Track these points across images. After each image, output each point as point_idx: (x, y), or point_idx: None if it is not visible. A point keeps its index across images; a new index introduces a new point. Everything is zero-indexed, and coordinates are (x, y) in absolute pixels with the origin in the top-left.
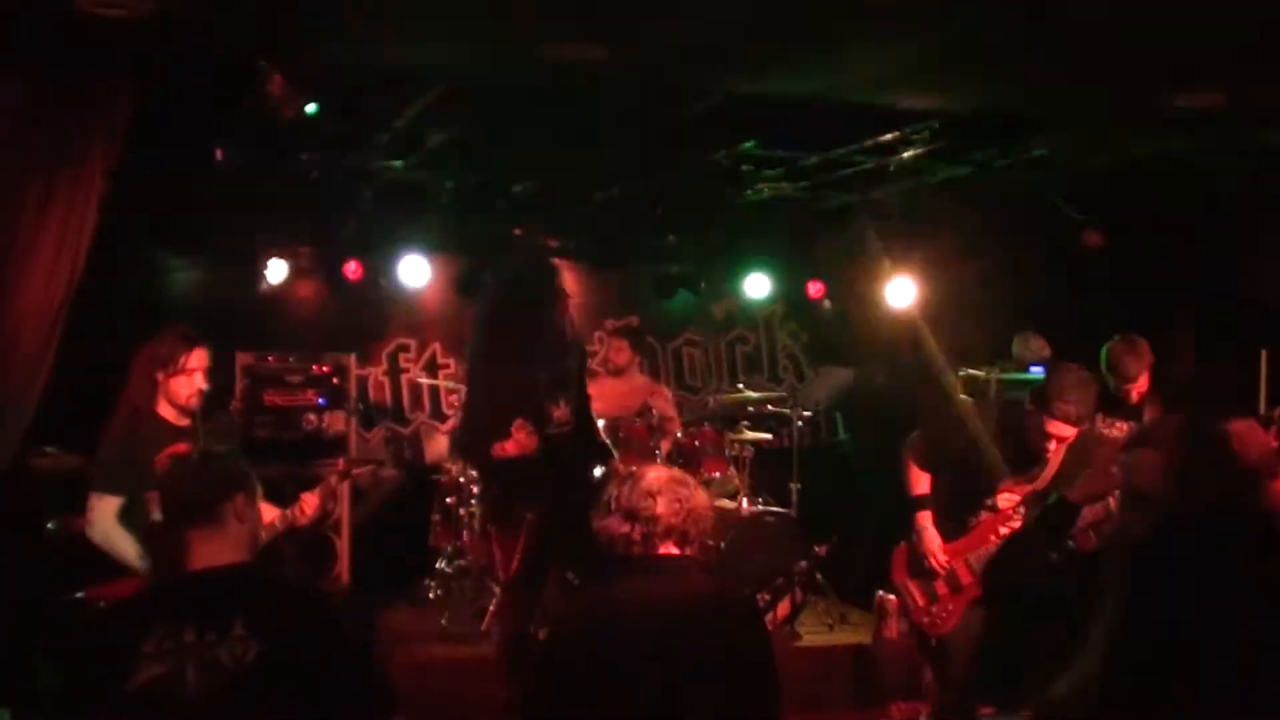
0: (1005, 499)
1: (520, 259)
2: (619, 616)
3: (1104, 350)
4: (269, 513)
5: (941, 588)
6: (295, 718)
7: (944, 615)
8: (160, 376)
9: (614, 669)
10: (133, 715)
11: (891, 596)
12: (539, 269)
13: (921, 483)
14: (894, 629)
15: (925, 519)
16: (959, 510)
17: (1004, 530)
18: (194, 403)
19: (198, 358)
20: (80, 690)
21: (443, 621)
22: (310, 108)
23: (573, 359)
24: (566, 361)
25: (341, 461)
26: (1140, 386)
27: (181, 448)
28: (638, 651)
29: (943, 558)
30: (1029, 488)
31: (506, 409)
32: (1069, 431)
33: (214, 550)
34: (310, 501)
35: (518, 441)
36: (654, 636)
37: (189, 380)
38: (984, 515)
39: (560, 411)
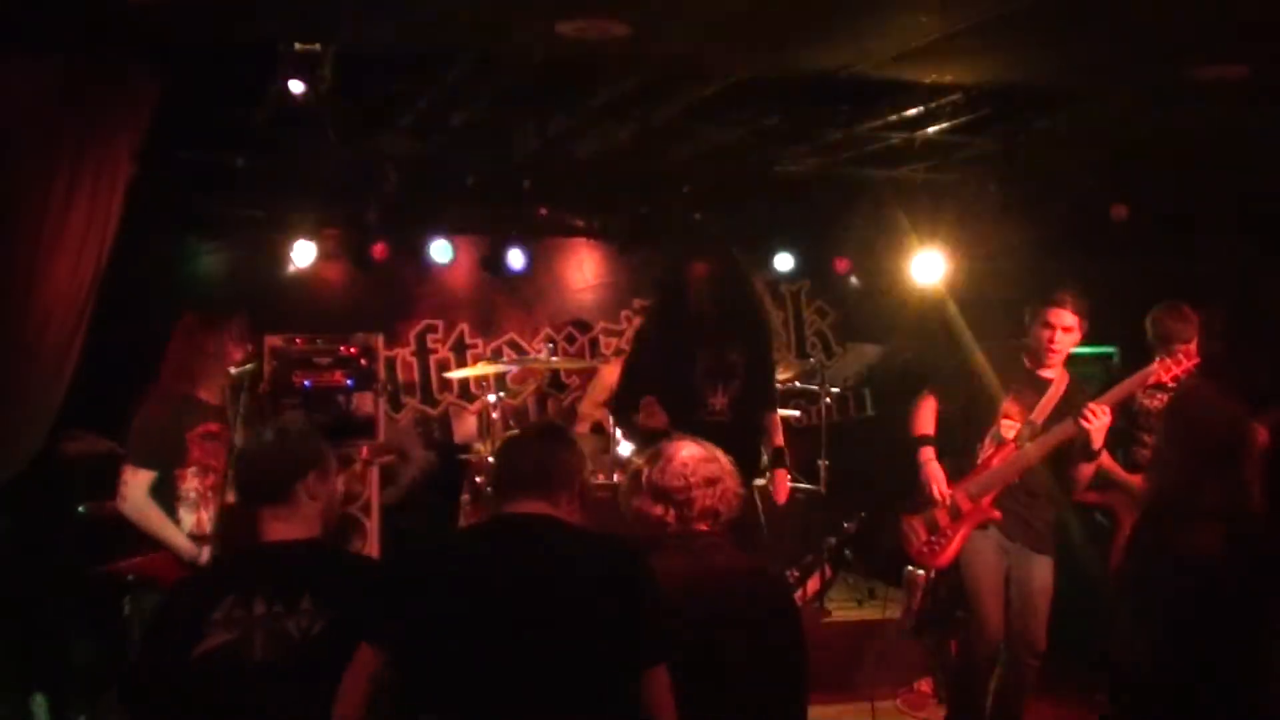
0: (1006, 424)
1: (699, 249)
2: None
3: (1149, 319)
4: None
5: (943, 518)
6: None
7: (942, 544)
8: (200, 354)
9: None
10: (199, 680)
11: (920, 571)
12: (717, 262)
13: (927, 423)
14: (924, 604)
15: (928, 453)
16: (965, 450)
17: (1002, 457)
18: (247, 363)
19: (236, 327)
20: (150, 654)
21: None
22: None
23: (740, 352)
24: (730, 352)
25: (365, 450)
26: (1191, 349)
27: (214, 427)
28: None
29: (945, 489)
30: (1027, 416)
31: (653, 387)
32: (1070, 320)
33: (286, 527)
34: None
35: (644, 416)
36: (689, 614)
37: (237, 350)
38: (987, 445)
39: (718, 400)
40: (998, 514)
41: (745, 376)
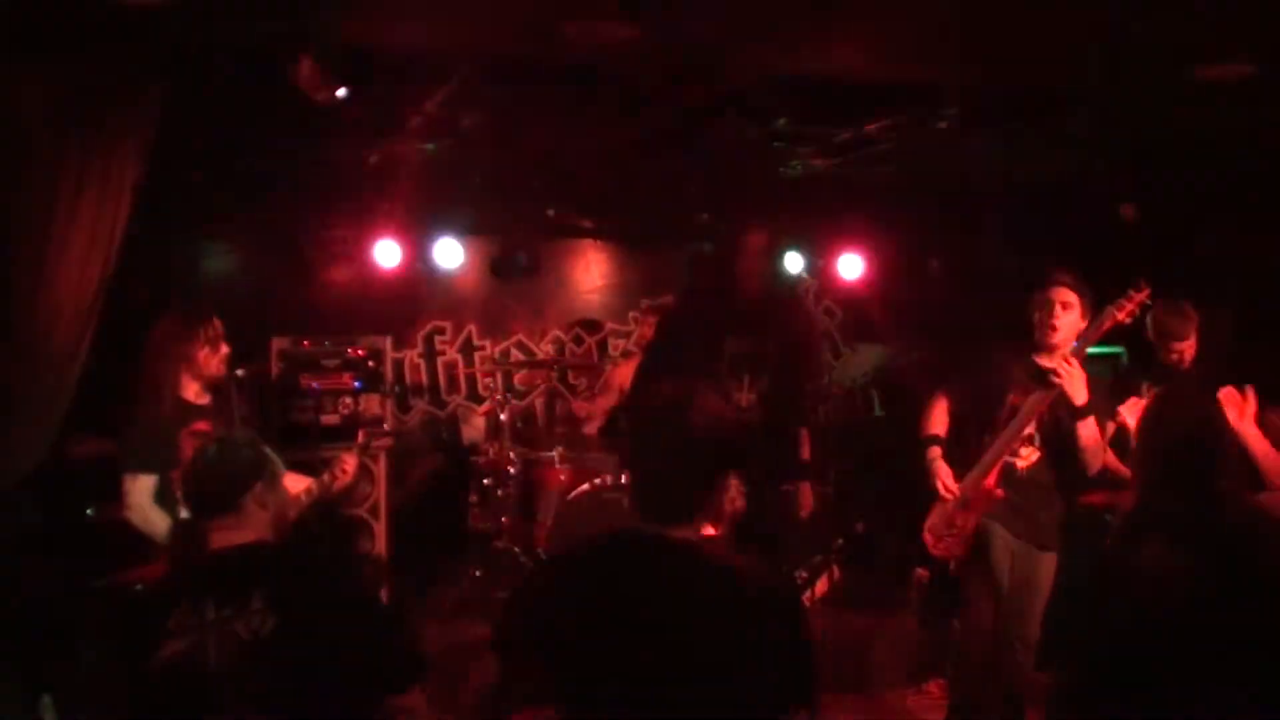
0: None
1: (729, 243)
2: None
3: (1149, 315)
4: (299, 483)
5: (954, 512)
6: (318, 687)
7: (955, 537)
8: (184, 355)
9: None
10: (159, 690)
11: (929, 573)
12: (772, 237)
13: (938, 424)
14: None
15: (935, 452)
16: (976, 449)
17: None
18: (222, 370)
19: (216, 326)
20: (109, 667)
21: (482, 602)
22: (341, 93)
23: (775, 344)
24: (764, 341)
25: (361, 434)
26: (1188, 348)
27: (203, 425)
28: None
29: (952, 485)
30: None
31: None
32: (1069, 297)
33: (237, 535)
34: (350, 461)
35: None
36: (679, 617)
37: (213, 350)
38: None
39: (743, 395)
40: (1000, 492)
41: (778, 373)
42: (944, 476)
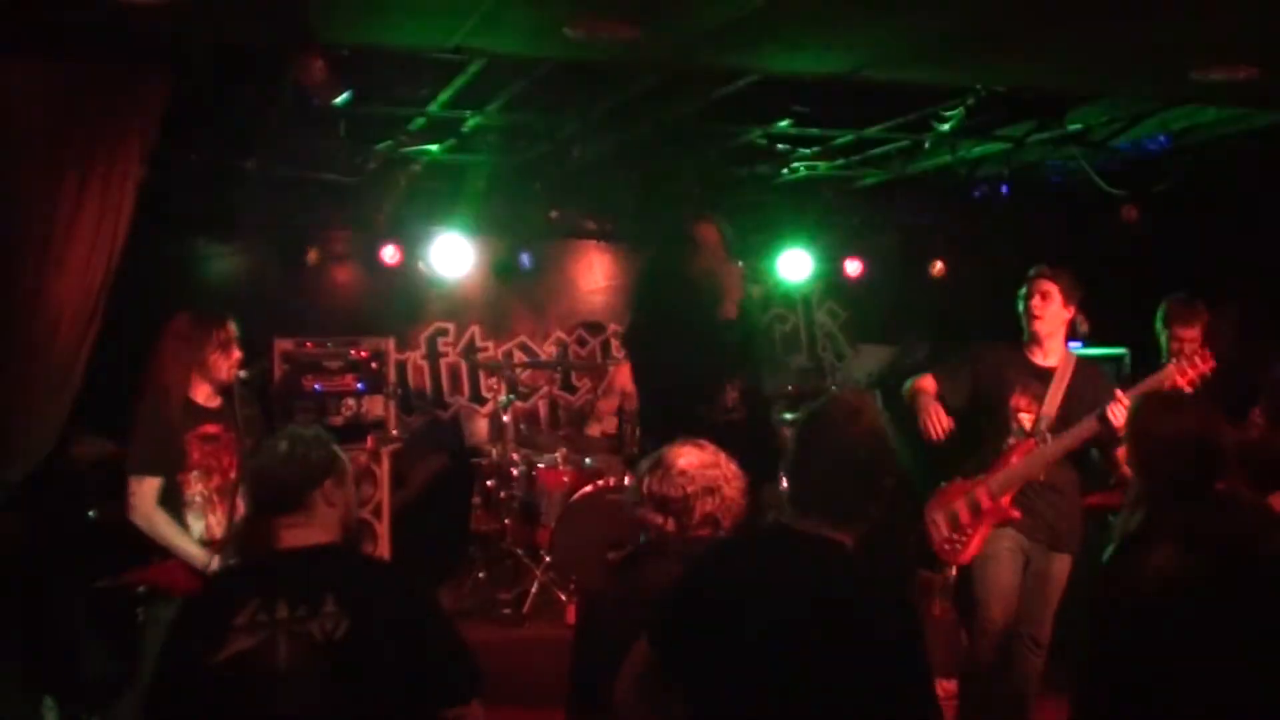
0: (1023, 418)
1: (664, 235)
2: (651, 601)
3: (1160, 308)
4: None
5: (964, 514)
6: (385, 693)
7: (964, 541)
8: (196, 357)
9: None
10: (223, 686)
11: (936, 576)
12: (680, 242)
13: (926, 380)
14: (938, 607)
15: (927, 382)
16: (985, 447)
17: (1021, 452)
18: (233, 375)
19: (229, 330)
20: (172, 661)
21: (485, 604)
22: (344, 96)
23: (734, 333)
24: (726, 338)
25: (370, 440)
26: (1194, 337)
27: (212, 429)
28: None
29: (938, 423)
30: (1039, 408)
31: (674, 403)
32: (1047, 287)
33: (305, 534)
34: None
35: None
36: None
37: (226, 354)
38: (1009, 442)
39: (731, 395)
40: (1017, 514)
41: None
42: (929, 412)
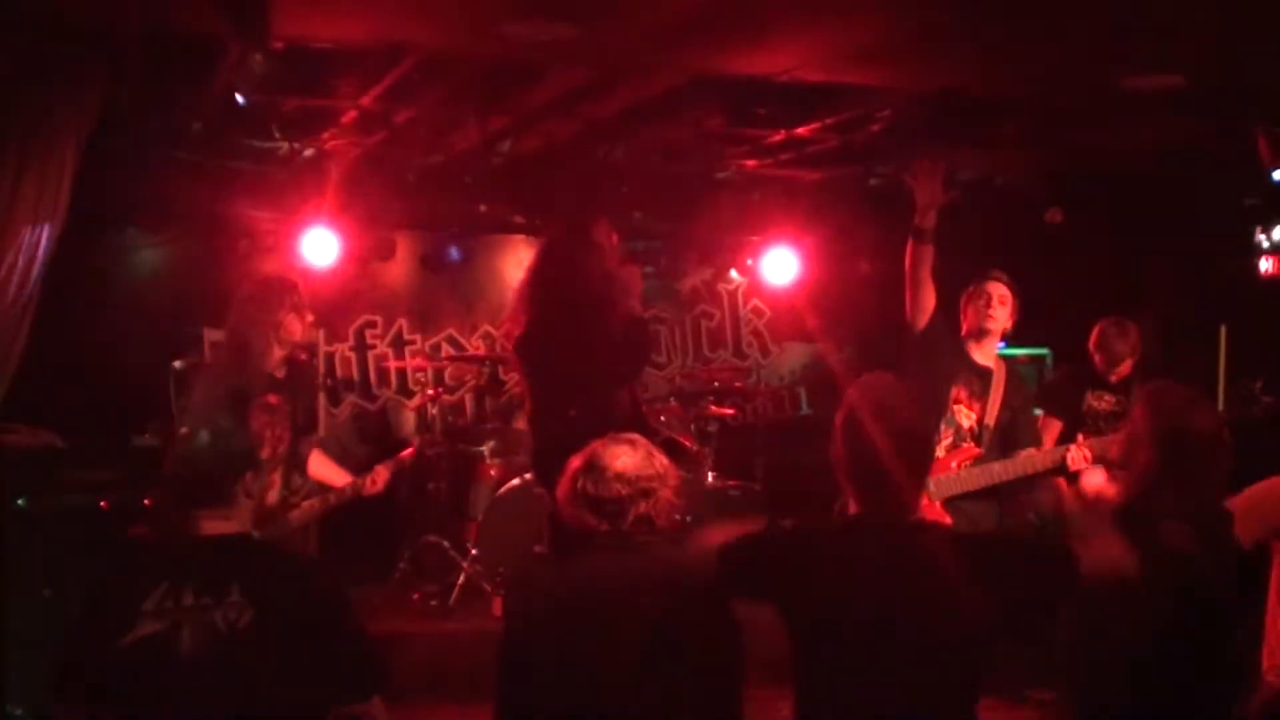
0: (958, 409)
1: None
2: (583, 593)
3: (1096, 330)
4: (340, 478)
5: None
6: (285, 685)
7: None
8: (272, 320)
9: (576, 646)
10: (129, 669)
11: None
12: (567, 242)
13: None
14: None
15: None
16: None
17: (961, 459)
18: (308, 336)
19: (300, 293)
20: (81, 643)
21: (413, 596)
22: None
23: (634, 335)
24: (626, 339)
25: (413, 448)
26: (1123, 371)
27: (274, 399)
28: (601, 628)
29: None
30: (979, 409)
31: (569, 406)
32: (1004, 292)
33: (220, 525)
34: (381, 474)
35: None
36: (617, 612)
37: (299, 316)
38: (944, 432)
39: (624, 397)
40: (949, 519)
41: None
42: None
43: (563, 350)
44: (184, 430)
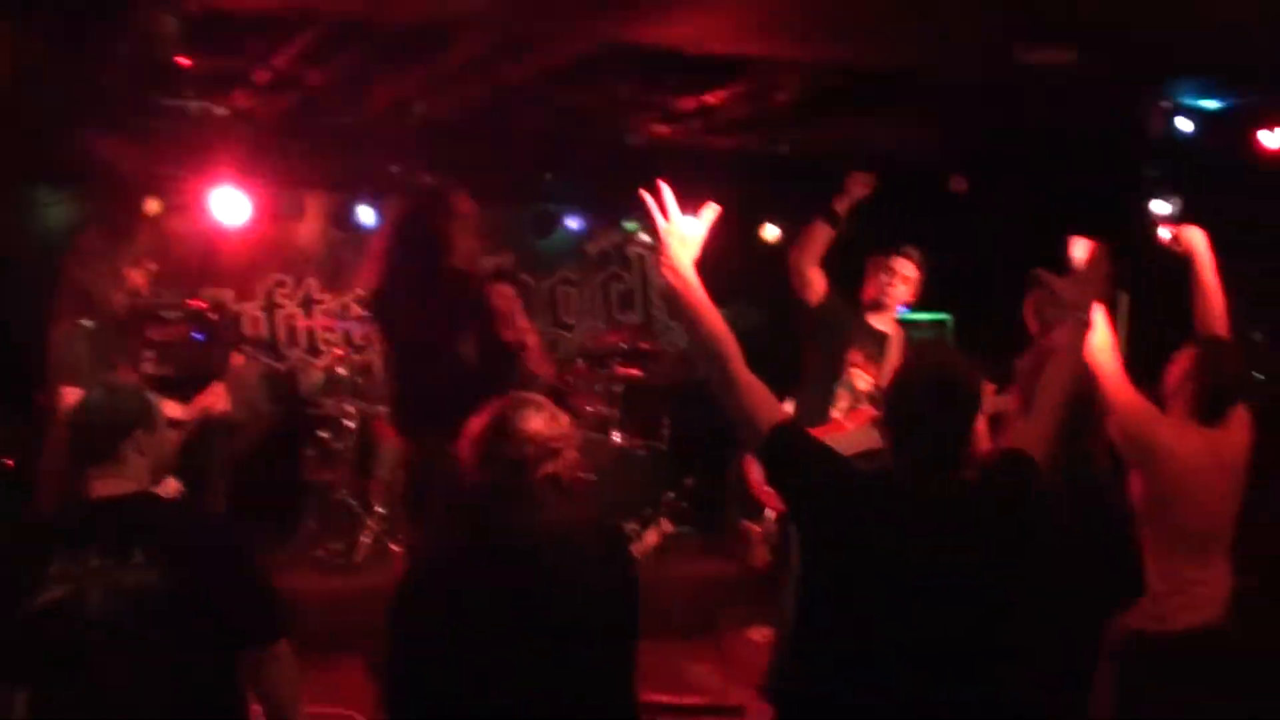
0: (855, 373)
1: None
2: (482, 548)
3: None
4: (173, 411)
5: None
6: (196, 640)
7: None
8: (118, 266)
9: (478, 600)
10: (36, 634)
11: (756, 526)
12: (422, 200)
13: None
14: (761, 557)
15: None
16: (825, 405)
17: (857, 420)
18: (147, 285)
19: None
20: None
21: (319, 553)
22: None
23: (472, 290)
24: (465, 294)
25: (242, 357)
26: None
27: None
28: (504, 582)
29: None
30: (875, 373)
31: (421, 364)
32: (910, 271)
33: (115, 484)
34: (217, 389)
35: None
36: (522, 566)
37: (141, 264)
38: (840, 394)
39: (470, 350)
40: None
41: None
42: None
43: (414, 311)
44: (62, 389)
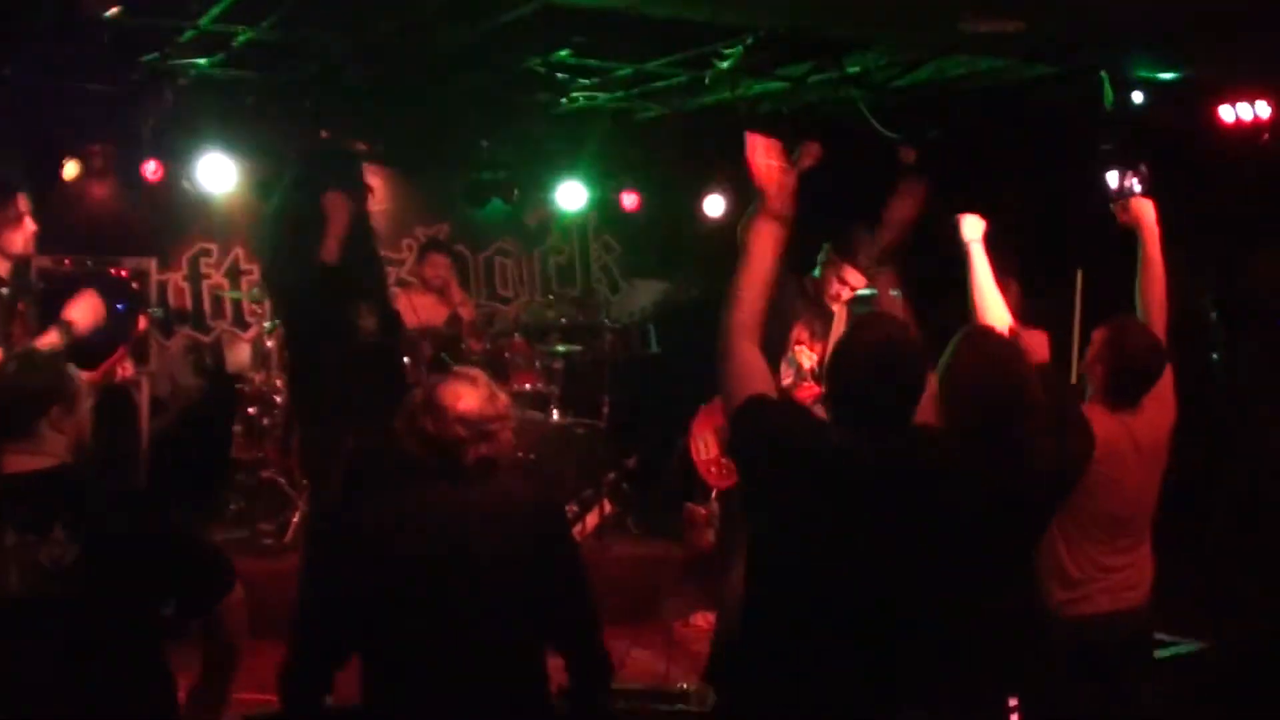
0: (799, 349)
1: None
2: (417, 521)
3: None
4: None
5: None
6: (123, 615)
7: (730, 467)
8: None
9: (408, 572)
10: None
11: (701, 508)
12: (329, 167)
13: None
14: (706, 539)
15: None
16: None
17: (804, 395)
18: (29, 248)
19: (20, 202)
20: None
21: (245, 535)
22: (114, 9)
23: (376, 262)
24: (368, 264)
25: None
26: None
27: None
28: (435, 557)
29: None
30: (821, 349)
31: (315, 324)
32: (858, 281)
33: (30, 460)
34: (122, 355)
35: None
36: (456, 541)
37: (16, 227)
38: (784, 370)
39: (368, 321)
40: None
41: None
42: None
43: (301, 282)
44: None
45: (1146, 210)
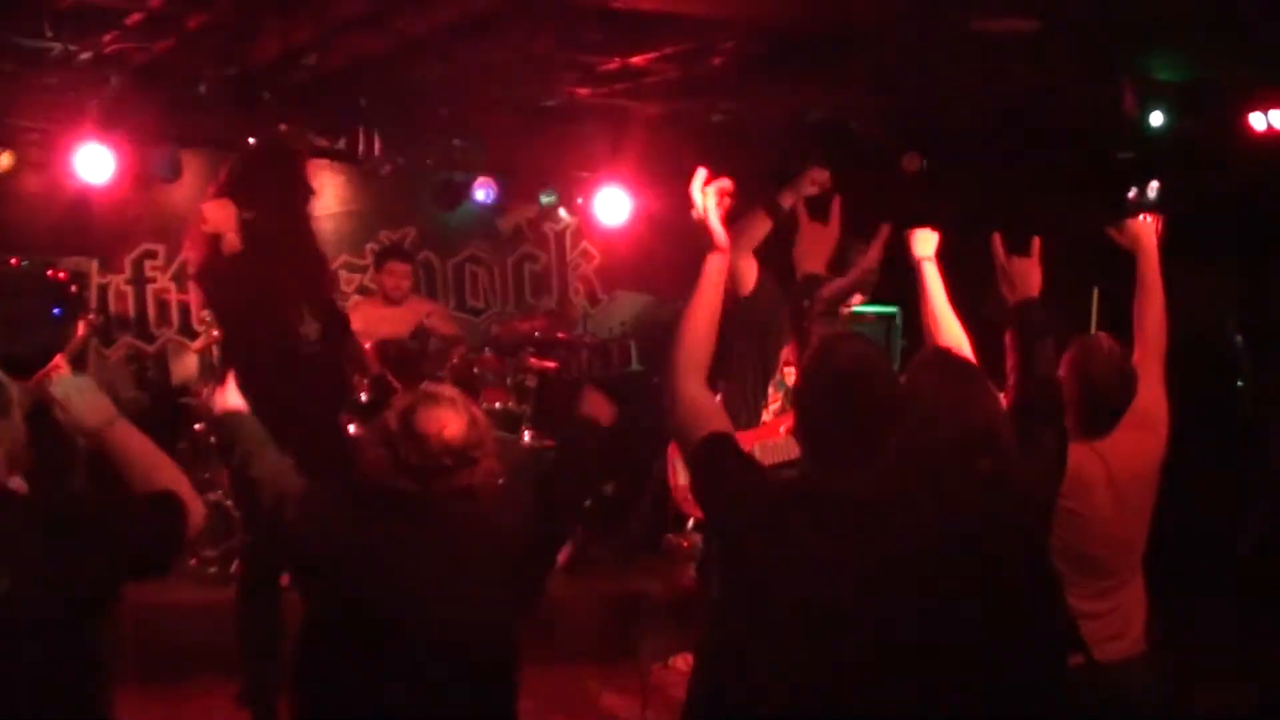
0: (789, 372)
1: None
2: (381, 556)
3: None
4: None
5: None
6: (55, 645)
7: None
8: None
9: (390, 606)
10: None
11: (684, 540)
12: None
13: None
14: (687, 575)
15: None
16: (755, 402)
17: (788, 423)
18: None
19: None
20: None
21: (190, 563)
22: None
23: (318, 267)
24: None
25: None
26: None
27: None
28: (415, 588)
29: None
30: None
31: (254, 327)
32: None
33: None
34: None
35: None
36: (415, 577)
37: None
38: (772, 394)
39: (309, 328)
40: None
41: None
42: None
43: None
44: None
45: (1145, 232)
